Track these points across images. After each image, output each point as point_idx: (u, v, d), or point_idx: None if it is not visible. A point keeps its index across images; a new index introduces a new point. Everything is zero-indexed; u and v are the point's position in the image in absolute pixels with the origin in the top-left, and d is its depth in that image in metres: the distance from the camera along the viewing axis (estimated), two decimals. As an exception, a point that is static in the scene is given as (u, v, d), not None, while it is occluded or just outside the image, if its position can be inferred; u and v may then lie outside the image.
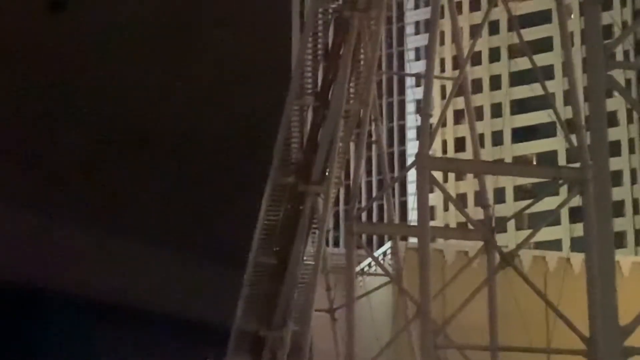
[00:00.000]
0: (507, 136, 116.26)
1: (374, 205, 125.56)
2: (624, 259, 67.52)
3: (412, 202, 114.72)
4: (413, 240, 50.48)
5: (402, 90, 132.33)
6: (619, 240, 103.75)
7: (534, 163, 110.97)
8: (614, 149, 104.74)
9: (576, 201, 31.10)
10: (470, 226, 39.25)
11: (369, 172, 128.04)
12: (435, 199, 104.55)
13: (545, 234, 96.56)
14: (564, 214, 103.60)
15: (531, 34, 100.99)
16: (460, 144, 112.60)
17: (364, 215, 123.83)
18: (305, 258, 42.89)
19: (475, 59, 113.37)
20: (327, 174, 41.53)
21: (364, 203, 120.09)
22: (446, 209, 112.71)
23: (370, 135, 44.79)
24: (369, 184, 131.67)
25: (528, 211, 39.99)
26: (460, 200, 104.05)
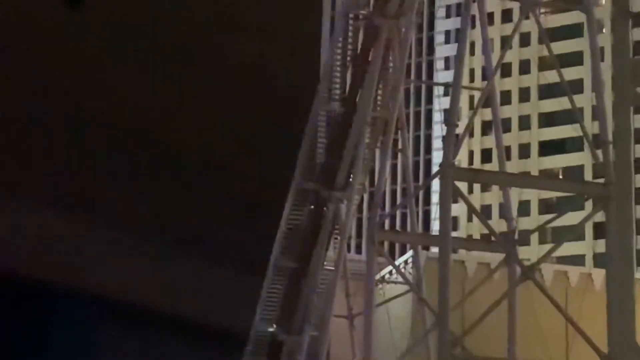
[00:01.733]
0: (534, 149, 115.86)
1: (397, 213, 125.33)
2: (647, 276, 67.06)
3: (435, 211, 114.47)
4: (435, 250, 50.38)
5: (430, 99, 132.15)
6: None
7: (560, 177, 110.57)
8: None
9: (600, 217, 30.97)
10: (493, 238, 39.16)
11: (393, 180, 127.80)
12: (458, 209, 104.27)
13: (568, 248, 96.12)
14: (588, 229, 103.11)
15: (561, 47, 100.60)
16: (486, 155, 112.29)
17: (386, 223, 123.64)
18: (325, 263, 42.89)
19: (505, 71, 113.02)
20: (350, 180, 41.53)
21: (387, 211, 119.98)
22: (470, 220, 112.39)
23: (395, 143, 44.77)
24: (393, 192, 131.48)
25: (551, 225, 39.84)
26: (484, 212, 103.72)
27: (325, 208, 42.04)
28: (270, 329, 43.72)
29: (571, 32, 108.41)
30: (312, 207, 42.32)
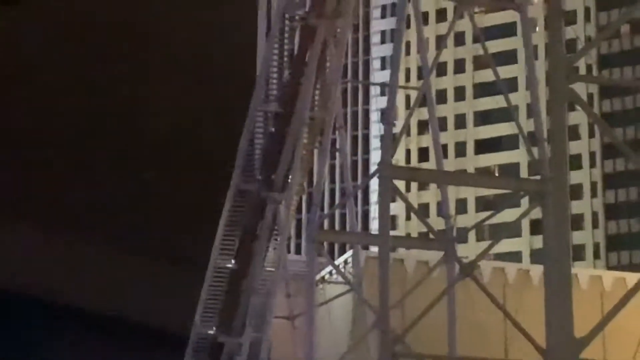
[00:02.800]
0: (471, 147, 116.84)
1: (336, 213, 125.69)
2: (582, 271, 68.02)
3: (374, 211, 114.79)
4: (374, 249, 50.57)
5: (367, 99, 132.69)
6: (578, 253, 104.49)
7: (496, 174, 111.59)
8: (575, 162, 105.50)
9: (537, 213, 31.28)
10: (431, 236, 39.40)
11: (332, 180, 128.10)
12: (397, 208, 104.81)
13: (506, 245, 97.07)
14: (525, 226, 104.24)
15: (496, 46, 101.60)
16: (423, 154, 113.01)
17: (325, 223, 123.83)
18: (266, 264, 42.83)
19: (440, 70, 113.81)
20: (289, 180, 41.52)
21: (326, 211, 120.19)
22: (408, 218, 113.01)
23: (334, 143, 44.88)
24: (332, 192, 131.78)
25: (489, 222, 40.19)
26: (422, 210, 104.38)
27: (264, 209, 42.00)
28: (211, 331, 43.56)
29: (505, 31, 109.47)
30: (251, 208, 42.24)
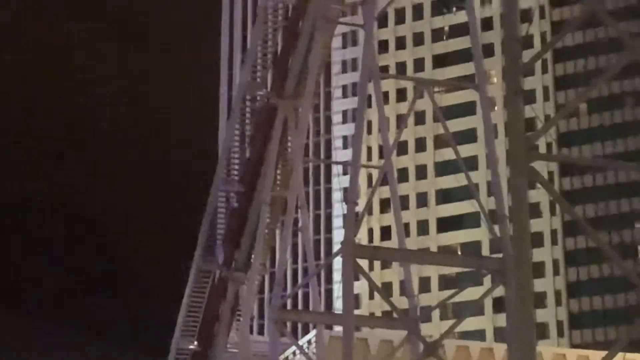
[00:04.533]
0: (433, 225, 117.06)
1: (299, 292, 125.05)
2: (546, 349, 67.90)
3: (337, 290, 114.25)
4: (338, 328, 50.20)
5: (329, 178, 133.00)
6: (541, 331, 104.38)
7: (459, 253, 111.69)
8: (537, 240, 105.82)
9: (500, 291, 31.24)
10: (395, 315, 39.22)
11: (294, 259, 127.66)
12: (360, 287, 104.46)
13: (470, 323, 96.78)
14: (488, 304, 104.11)
15: (456, 125, 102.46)
16: (386, 233, 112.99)
17: (288, 303, 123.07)
18: (229, 345, 42.39)
19: (402, 149, 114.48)
20: (251, 260, 41.31)
21: (289, 290, 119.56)
22: (371, 297, 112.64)
23: (296, 222, 44.76)
24: (294, 271, 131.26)
25: (452, 301, 40.07)
26: (386, 289, 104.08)
27: (226, 289, 41.71)
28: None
29: (465, 110, 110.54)
30: (213, 288, 41.94)
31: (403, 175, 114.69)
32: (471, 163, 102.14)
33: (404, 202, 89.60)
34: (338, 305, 33.99)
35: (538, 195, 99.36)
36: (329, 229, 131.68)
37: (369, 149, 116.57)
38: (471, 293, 44.70)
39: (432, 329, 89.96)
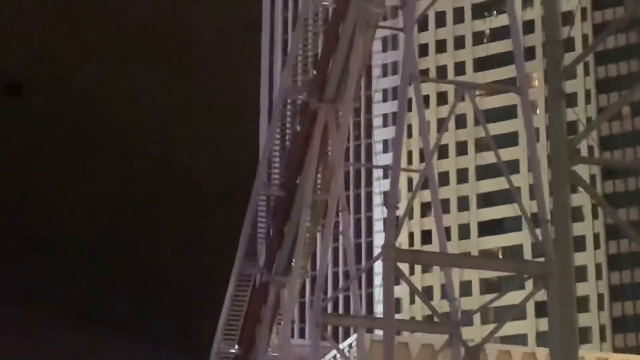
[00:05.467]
0: (474, 229, 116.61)
1: (340, 296, 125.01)
2: (589, 354, 67.44)
3: (378, 294, 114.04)
4: (379, 332, 50.18)
5: (369, 182, 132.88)
6: (584, 335, 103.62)
7: (500, 257, 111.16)
8: (579, 243, 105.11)
9: (542, 295, 31.07)
10: (435, 319, 39.12)
11: (335, 263, 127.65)
12: (401, 291, 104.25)
13: (511, 328, 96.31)
14: (530, 308, 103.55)
15: (497, 128, 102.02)
16: (426, 237, 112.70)
17: (329, 307, 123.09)
18: (269, 349, 42.48)
19: (442, 152, 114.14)
20: (292, 263, 41.38)
21: (330, 294, 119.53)
22: (412, 301, 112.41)
23: (337, 226, 44.76)
24: (335, 275, 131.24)
25: (494, 305, 39.92)
26: (426, 293, 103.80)
27: (267, 292, 41.81)
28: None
29: (506, 113, 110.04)
30: (255, 291, 42.06)
31: (444, 179, 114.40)
32: (512, 166, 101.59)
33: (444, 206, 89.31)
34: (379, 309, 34.04)
35: (580, 198, 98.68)
36: (369, 233, 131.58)
37: (410, 152, 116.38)
38: (513, 297, 44.48)
39: (473, 333, 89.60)
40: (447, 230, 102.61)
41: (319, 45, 42.11)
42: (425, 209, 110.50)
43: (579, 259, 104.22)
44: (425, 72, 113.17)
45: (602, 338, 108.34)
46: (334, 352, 54.85)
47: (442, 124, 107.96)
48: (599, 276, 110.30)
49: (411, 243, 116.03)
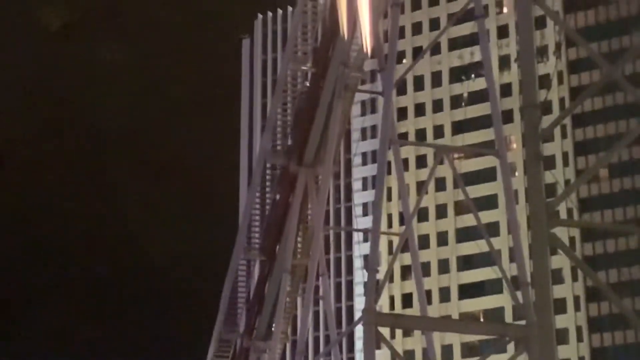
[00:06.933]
0: (454, 292, 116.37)
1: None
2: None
3: (359, 358, 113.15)
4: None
5: (349, 246, 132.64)
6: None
7: (481, 319, 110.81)
8: (560, 306, 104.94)
9: (523, 358, 30.92)
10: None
11: (316, 328, 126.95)
12: (382, 355, 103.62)
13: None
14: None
15: (476, 191, 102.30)
16: (407, 300, 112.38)
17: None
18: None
19: (422, 215, 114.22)
20: (273, 328, 41.11)
21: (310, 359, 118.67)
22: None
23: (317, 290, 44.60)
24: (316, 340, 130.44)
25: (475, 368, 39.71)
26: (408, 357, 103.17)
27: (247, 357, 41.47)
28: None
29: (485, 175, 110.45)
30: (234, 357, 41.72)
31: (424, 241, 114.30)
32: (492, 229, 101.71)
33: (425, 269, 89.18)
34: (360, 373, 33.83)
35: (560, 260, 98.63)
36: (350, 297, 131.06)
37: (390, 215, 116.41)
38: (494, 360, 44.16)
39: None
40: (428, 293, 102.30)
41: (298, 109, 42.28)
42: (406, 271, 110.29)
43: (560, 321, 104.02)
44: (404, 135, 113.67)
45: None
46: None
47: (421, 186, 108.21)
48: (580, 339, 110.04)
49: (392, 306, 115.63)
